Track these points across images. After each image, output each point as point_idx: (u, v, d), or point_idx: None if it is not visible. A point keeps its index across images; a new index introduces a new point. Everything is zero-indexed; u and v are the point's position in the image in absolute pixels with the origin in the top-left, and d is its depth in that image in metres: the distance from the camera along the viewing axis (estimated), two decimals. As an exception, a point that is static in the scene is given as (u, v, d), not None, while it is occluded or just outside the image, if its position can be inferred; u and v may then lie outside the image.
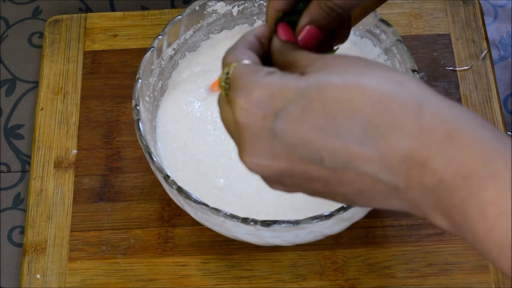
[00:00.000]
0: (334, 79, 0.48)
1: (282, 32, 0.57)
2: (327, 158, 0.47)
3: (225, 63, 0.54)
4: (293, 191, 0.51)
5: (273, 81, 0.49)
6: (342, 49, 0.86)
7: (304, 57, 0.53)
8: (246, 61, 0.53)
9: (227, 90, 0.52)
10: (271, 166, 0.49)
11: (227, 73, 0.52)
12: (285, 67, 0.54)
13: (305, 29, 0.57)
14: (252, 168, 0.50)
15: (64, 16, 0.96)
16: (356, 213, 0.74)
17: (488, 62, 0.91)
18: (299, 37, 0.58)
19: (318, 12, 0.57)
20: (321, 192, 0.50)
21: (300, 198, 0.80)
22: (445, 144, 0.44)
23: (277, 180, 0.50)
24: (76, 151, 0.88)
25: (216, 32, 0.88)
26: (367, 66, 0.49)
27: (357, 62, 0.49)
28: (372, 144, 0.46)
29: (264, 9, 0.88)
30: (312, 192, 0.50)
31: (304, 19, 0.58)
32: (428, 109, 0.45)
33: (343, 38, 0.62)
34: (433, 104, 0.46)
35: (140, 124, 0.76)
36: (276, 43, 0.56)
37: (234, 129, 0.51)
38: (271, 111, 0.48)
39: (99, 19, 0.96)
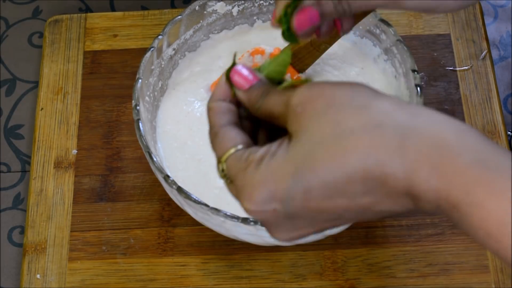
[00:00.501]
0: (316, 146, 0.50)
1: (240, 80, 0.55)
2: (344, 214, 0.51)
3: (216, 156, 0.55)
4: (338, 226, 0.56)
5: (265, 175, 0.51)
6: (342, 49, 0.87)
7: (277, 108, 0.53)
8: (234, 150, 0.54)
9: (231, 184, 0.54)
10: (302, 234, 0.53)
11: (223, 170, 0.54)
12: (265, 118, 0.55)
13: (308, 9, 0.58)
14: (287, 241, 0.56)
15: (64, 16, 0.96)
16: (356, 213, 0.74)
17: (488, 62, 0.91)
18: (299, 15, 0.58)
19: (327, 5, 0.59)
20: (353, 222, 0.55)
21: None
22: (432, 178, 0.47)
23: (316, 233, 0.54)
24: (76, 151, 0.88)
25: (216, 32, 0.88)
26: (343, 111, 0.50)
27: (332, 106, 0.50)
28: (374, 193, 0.49)
29: (264, 9, 0.88)
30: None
31: (310, 0, 0.59)
32: (410, 146, 0.48)
33: (330, 41, 0.64)
34: (414, 137, 0.48)
35: (140, 124, 0.76)
36: (241, 97, 0.55)
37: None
38: (278, 203, 0.51)
39: (99, 19, 0.96)
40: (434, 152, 0.47)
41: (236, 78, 0.55)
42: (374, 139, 0.48)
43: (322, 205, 0.50)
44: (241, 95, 0.55)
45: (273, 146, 0.52)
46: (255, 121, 0.57)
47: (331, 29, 0.66)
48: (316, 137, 0.50)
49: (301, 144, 0.51)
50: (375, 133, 0.49)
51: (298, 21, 0.60)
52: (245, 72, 0.55)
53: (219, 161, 0.54)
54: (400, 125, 0.49)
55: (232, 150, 0.54)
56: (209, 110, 0.56)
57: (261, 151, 0.53)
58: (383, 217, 0.52)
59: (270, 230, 0.54)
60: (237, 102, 0.56)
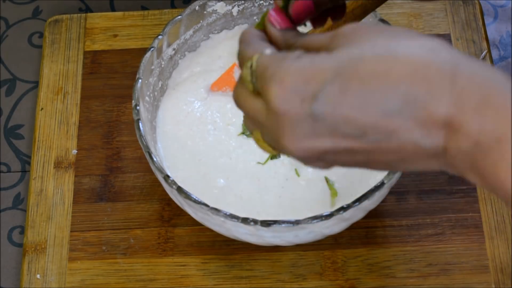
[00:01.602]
0: (366, 53, 0.48)
1: (279, 19, 0.56)
2: (370, 132, 0.48)
3: (244, 57, 0.53)
4: (333, 166, 0.52)
5: (305, 64, 0.49)
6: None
7: (319, 36, 0.52)
8: (268, 50, 0.52)
9: (254, 84, 0.52)
10: (315, 147, 0.50)
11: (251, 66, 0.52)
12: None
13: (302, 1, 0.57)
14: (296, 152, 0.50)
15: (64, 16, 0.97)
16: (356, 213, 0.74)
17: (488, 62, 0.91)
18: (293, 8, 0.57)
19: None
20: (363, 163, 0.51)
21: (300, 198, 0.79)
22: (479, 109, 0.46)
23: (320, 159, 0.51)
24: (76, 151, 0.88)
25: (216, 32, 0.88)
26: (394, 35, 0.49)
27: (383, 32, 0.50)
28: (412, 113, 0.47)
29: (264, 9, 0.88)
30: (354, 164, 0.51)
31: None
32: (462, 74, 0.47)
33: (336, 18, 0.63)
34: (467, 69, 0.47)
35: (140, 124, 0.76)
36: (276, 33, 0.55)
37: (268, 119, 0.51)
38: (309, 94, 0.48)
39: (99, 19, 0.96)
40: (485, 84, 0.46)
41: (274, 15, 0.55)
42: (427, 59, 0.47)
43: (352, 113, 0.48)
44: (274, 31, 0.55)
45: (312, 53, 0.51)
46: None
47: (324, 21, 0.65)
48: (365, 42, 0.49)
49: (349, 48, 0.49)
50: (429, 54, 0.47)
51: (295, 11, 0.59)
52: (285, 15, 0.56)
53: (247, 59, 0.52)
54: (453, 56, 0.48)
55: (268, 51, 0.52)
56: (245, 33, 0.55)
57: (298, 52, 0.51)
58: (404, 157, 0.48)
59: (285, 128, 0.49)
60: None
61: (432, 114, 0.47)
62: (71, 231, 0.84)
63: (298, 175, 0.80)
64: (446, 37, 0.93)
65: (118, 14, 0.97)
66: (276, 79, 0.49)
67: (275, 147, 0.53)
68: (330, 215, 0.71)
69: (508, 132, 0.45)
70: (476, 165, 0.47)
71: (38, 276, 0.82)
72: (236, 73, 0.85)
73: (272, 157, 0.82)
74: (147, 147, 0.75)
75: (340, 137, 0.49)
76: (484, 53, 0.92)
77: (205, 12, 0.85)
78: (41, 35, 1.00)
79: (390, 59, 0.47)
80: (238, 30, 0.88)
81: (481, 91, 0.46)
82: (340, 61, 0.49)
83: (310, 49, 0.52)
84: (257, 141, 0.55)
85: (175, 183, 0.73)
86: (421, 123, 0.47)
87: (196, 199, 0.72)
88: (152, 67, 0.82)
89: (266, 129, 0.52)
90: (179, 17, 0.83)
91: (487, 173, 0.46)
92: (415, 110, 0.47)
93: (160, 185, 0.82)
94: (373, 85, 0.47)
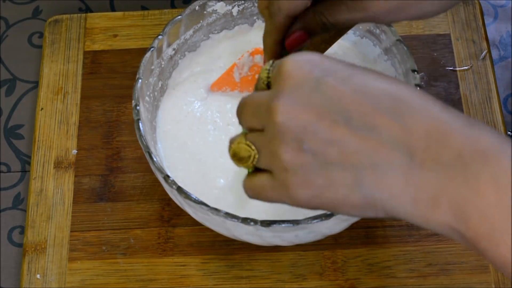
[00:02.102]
0: (371, 70, 0.54)
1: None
2: (357, 118, 0.51)
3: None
4: (302, 161, 0.53)
5: (322, 55, 0.55)
6: (342, 49, 0.87)
7: None
8: None
9: (270, 72, 0.56)
10: (301, 115, 0.52)
11: (272, 62, 0.56)
12: None
13: (296, 33, 0.64)
14: (281, 115, 0.53)
15: (64, 16, 0.97)
16: (356, 213, 0.74)
17: (488, 62, 0.91)
18: (289, 39, 0.65)
19: (312, 24, 0.64)
20: (331, 166, 0.52)
21: (300, 198, 0.79)
22: (465, 127, 0.49)
23: (297, 138, 0.52)
24: (76, 151, 0.88)
25: (216, 32, 0.88)
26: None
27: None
28: (400, 116, 0.50)
29: (264, 9, 0.87)
30: (323, 161, 0.52)
31: (298, 25, 0.65)
32: (451, 108, 0.51)
33: None
34: (452, 107, 0.52)
35: (140, 124, 0.76)
36: None
37: (269, 95, 0.54)
38: (319, 69, 0.53)
39: (99, 19, 0.96)
40: (468, 116, 0.52)
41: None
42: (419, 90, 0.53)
43: (348, 95, 0.51)
44: None
45: None
46: None
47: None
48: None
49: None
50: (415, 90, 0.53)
51: (290, 44, 0.66)
52: None
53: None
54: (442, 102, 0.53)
55: None
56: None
57: None
58: (376, 162, 0.51)
59: (283, 89, 0.53)
60: None
61: (418, 121, 0.50)
62: (71, 231, 0.84)
63: (298, 175, 0.80)
64: (446, 37, 0.93)
65: (118, 14, 0.97)
66: (293, 56, 0.54)
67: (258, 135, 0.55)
68: (330, 215, 0.71)
69: (491, 145, 0.48)
70: (452, 182, 0.49)
71: (38, 276, 0.82)
72: (236, 73, 0.85)
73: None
74: (147, 147, 0.75)
75: (327, 114, 0.51)
76: (484, 53, 0.92)
77: (205, 12, 0.85)
78: (41, 35, 1.00)
79: (393, 79, 0.53)
80: (238, 30, 0.88)
81: (466, 118, 0.50)
82: (351, 64, 0.54)
83: None
84: (236, 145, 0.57)
85: (175, 183, 0.73)
86: (405, 127, 0.50)
87: (196, 199, 0.72)
88: (152, 67, 0.82)
89: (262, 107, 0.54)
90: (179, 17, 0.83)
91: (464, 191, 0.49)
92: (403, 115, 0.50)
93: (160, 185, 0.82)
94: (375, 84, 0.52)
